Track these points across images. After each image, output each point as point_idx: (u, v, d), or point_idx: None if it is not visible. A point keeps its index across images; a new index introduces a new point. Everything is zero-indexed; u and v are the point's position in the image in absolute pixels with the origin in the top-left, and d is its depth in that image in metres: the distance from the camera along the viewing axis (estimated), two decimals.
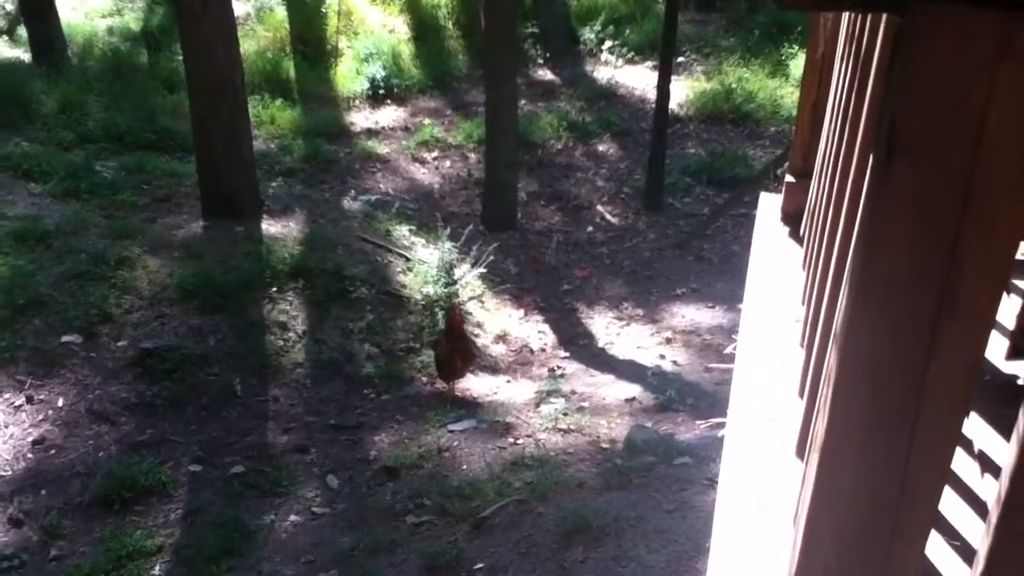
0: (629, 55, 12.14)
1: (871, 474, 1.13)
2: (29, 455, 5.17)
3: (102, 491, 4.87)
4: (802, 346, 2.33)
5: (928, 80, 0.94)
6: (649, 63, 11.76)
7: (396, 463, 5.25)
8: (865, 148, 1.65)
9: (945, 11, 0.91)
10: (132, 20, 12.72)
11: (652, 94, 9.95)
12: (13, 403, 5.50)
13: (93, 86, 9.90)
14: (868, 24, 1.81)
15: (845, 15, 2.58)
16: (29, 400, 5.50)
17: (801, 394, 2.13)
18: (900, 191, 1.00)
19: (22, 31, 11.30)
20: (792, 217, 3.47)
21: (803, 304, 2.57)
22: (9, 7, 12.20)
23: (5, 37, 11.84)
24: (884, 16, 1.59)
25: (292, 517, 4.86)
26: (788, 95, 10.71)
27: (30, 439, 5.27)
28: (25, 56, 10.83)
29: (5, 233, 6.64)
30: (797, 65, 10.77)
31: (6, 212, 7.00)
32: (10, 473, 5.04)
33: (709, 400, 5.97)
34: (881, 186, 1.02)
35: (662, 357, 6.89)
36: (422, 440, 5.49)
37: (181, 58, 8.20)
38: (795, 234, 3.38)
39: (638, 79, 11.60)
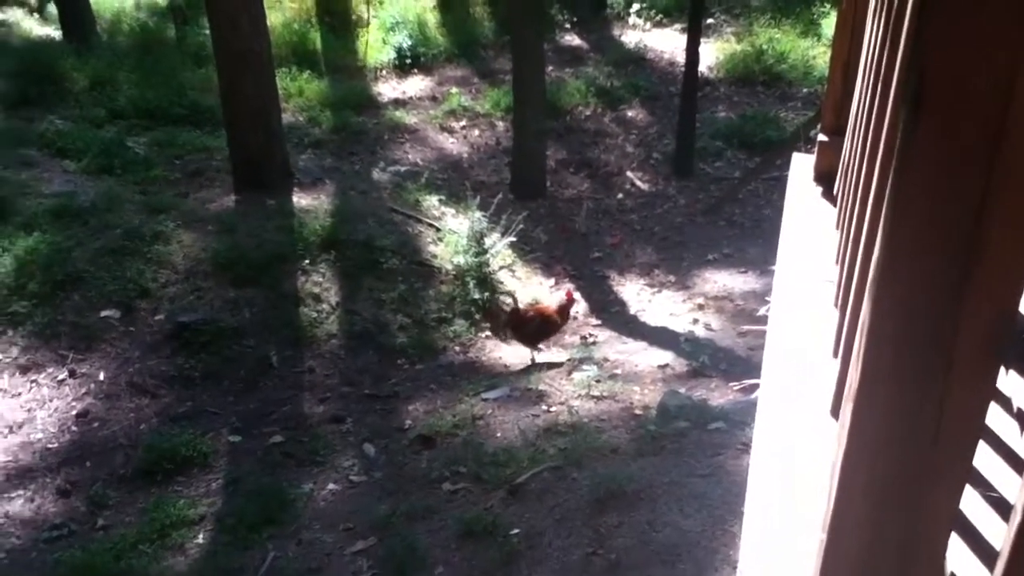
0: (657, 18, 11.98)
1: (904, 424, 1.14)
2: (74, 428, 5.30)
3: (145, 462, 4.99)
4: (836, 306, 2.31)
5: (957, 32, 0.94)
6: (678, 26, 11.59)
7: (431, 431, 5.31)
8: (897, 104, 1.63)
9: None
10: None
11: (681, 57, 9.82)
12: (56, 377, 5.63)
13: (123, 62, 9.98)
14: None
15: None
16: (72, 374, 5.63)
17: (835, 354, 2.12)
18: (929, 143, 1.00)
19: (52, 9, 11.39)
20: (825, 177, 3.41)
21: (837, 264, 2.54)
22: None
23: (36, 15, 11.95)
24: None
25: (330, 485, 4.93)
26: (820, 55, 10.52)
27: (74, 412, 5.40)
28: (56, 34, 10.93)
29: (43, 211, 6.75)
30: (829, 24, 10.56)
31: (42, 190, 7.11)
32: (56, 445, 5.17)
33: (743, 365, 5.95)
34: (910, 138, 1.02)
35: (695, 323, 6.87)
36: (456, 408, 5.53)
37: (208, 31, 8.23)
38: (828, 194, 3.33)
39: (667, 42, 11.45)
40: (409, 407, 5.65)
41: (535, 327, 6.20)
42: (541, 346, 6.38)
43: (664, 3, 12.12)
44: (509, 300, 6.48)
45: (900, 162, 1.06)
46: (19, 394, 5.54)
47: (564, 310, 6.31)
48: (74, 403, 5.46)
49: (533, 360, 6.27)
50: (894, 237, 1.08)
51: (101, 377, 5.61)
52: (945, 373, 1.08)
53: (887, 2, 2.00)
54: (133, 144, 8.21)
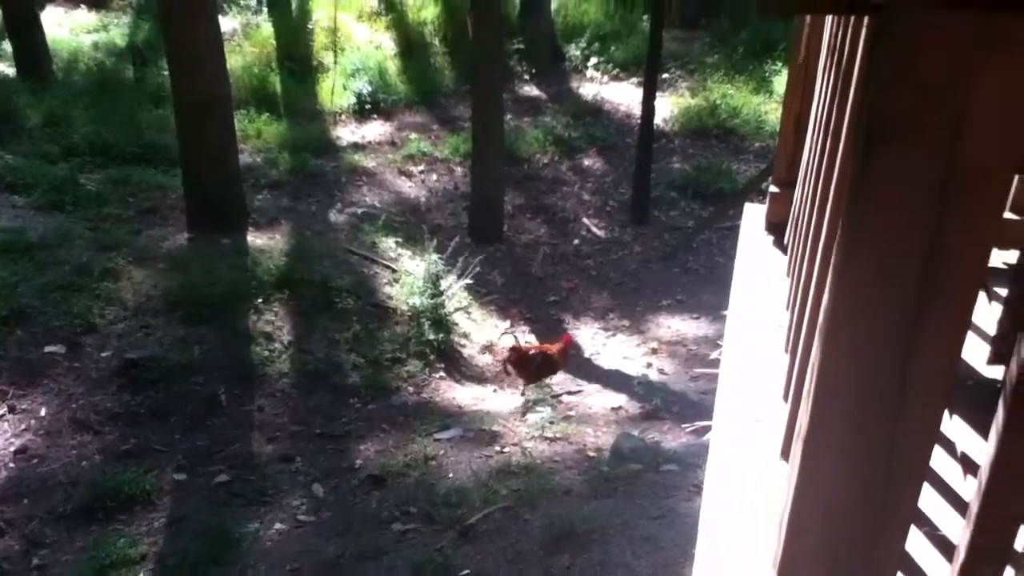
0: (614, 71, 12.25)
1: (853, 466, 1.14)
2: (11, 464, 5.12)
3: (85, 500, 4.83)
4: (787, 350, 2.35)
5: (908, 71, 0.96)
6: (634, 79, 11.87)
7: (382, 471, 5.24)
8: (848, 151, 1.68)
9: (924, 14, 0.94)
10: (118, 35, 12.71)
11: (637, 110, 10.04)
12: None
13: (78, 100, 9.88)
14: (850, 30, 1.85)
15: (827, 26, 2.63)
16: (11, 410, 5.46)
17: (786, 397, 2.15)
18: (881, 180, 1.01)
19: (6, 46, 11.27)
20: (776, 226, 3.50)
21: (787, 309, 2.59)
22: None
23: None
24: (865, 21, 1.62)
25: (277, 525, 4.83)
26: (772, 111, 10.82)
27: (12, 449, 5.22)
28: (10, 71, 10.80)
29: None
30: (781, 82, 10.89)
31: None
32: None
33: (695, 409, 5.99)
34: (862, 176, 1.03)
35: (648, 367, 6.92)
36: (408, 448, 5.48)
37: (167, 72, 8.20)
38: (779, 243, 3.41)
39: (623, 95, 11.70)
40: (361, 447, 5.58)
41: (538, 364, 6.34)
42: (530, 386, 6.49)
43: (621, 57, 12.40)
44: (511, 340, 6.71)
45: (852, 201, 1.07)
46: None
47: (564, 351, 6.46)
48: (12, 439, 5.29)
49: (524, 395, 6.41)
50: (846, 275, 1.08)
51: (43, 413, 5.45)
52: (894, 417, 1.09)
53: (837, 52, 2.09)
54: (86, 181, 8.10)
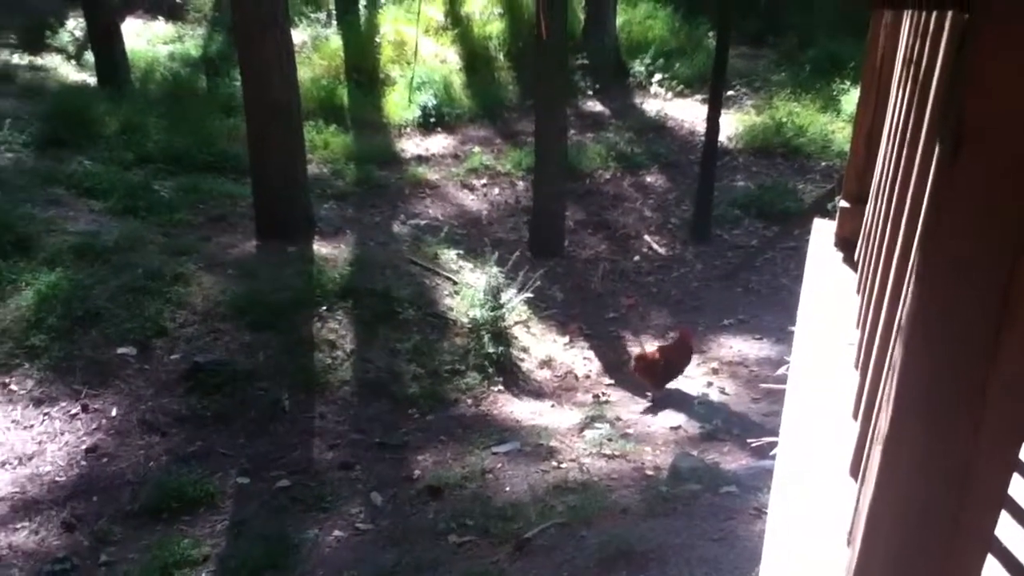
0: (679, 88, 12.20)
1: (928, 487, 1.11)
2: (83, 462, 5.28)
3: (151, 500, 4.95)
4: (857, 368, 2.31)
5: (996, 72, 0.95)
6: (699, 96, 11.80)
7: (439, 483, 5.26)
8: (927, 157, 1.65)
9: (1015, 11, 0.92)
10: (192, 47, 13.10)
11: (701, 127, 9.98)
12: (69, 411, 5.64)
13: (153, 109, 10.20)
14: (929, 36, 1.82)
15: (903, 35, 2.58)
16: (84, 409, 5.63)
17: (856, 416, 2.11)
18: (966, 180, 0.99)
19: (89, 56, 11.70)
20: (846, 242, 3.44)
21: (858, 327, 2.54)
22: (78, 33, 12.62)
23: (73, 61, 12.25)
24: (948, 24, 1.59)
25: (336, 532, 4.88)
26: (839, 130, 10.66)
27: (84, 447, 5.39)
28: (91, 80, 11.20)
29: (66, 248, 6.82)
30: (849, 100, 10.73)
31: (67, 228, 7.20)
32: (64, 479, 5.15)
33: (757, 430, 5.89)
34: (946, 177, 1.01)
35: (708, 386, 6.84)
36: (466, 461, 5.50)
37: (239, 83, 8.42)
38: (849, 259, 3.35)
39: (687, 112, 11.63)
40: (419, 457, 5.61)
41: (663, 367, 6.55)
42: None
43: (686, 74, 12.35)
44: (636, 348, 6.87)
45: (935, 202, 1.05)
46: (31, 426, 5.54)
47: (686, 347, 6.72)
48: (84, 438, 5.45)
49: (653, 400, 6.58)
50: (927, 276, 1.06)
51: (113, 413, 5.61)
52: (972, 436, 1.06)
53: (915, 59, 2.05)
54: (159, 187, 8.35)
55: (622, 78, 12.48)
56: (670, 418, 6.30)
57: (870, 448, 1.28)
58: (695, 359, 7.43)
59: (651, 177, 10.37)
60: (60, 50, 12.55)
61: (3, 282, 6.41)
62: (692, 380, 7.03)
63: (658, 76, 12.33)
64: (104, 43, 11.04)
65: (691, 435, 6.01)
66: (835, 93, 11.48)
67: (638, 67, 12.51)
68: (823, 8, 13.89)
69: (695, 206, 9.46)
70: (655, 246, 9.31)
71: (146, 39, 13.16)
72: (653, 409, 6.49)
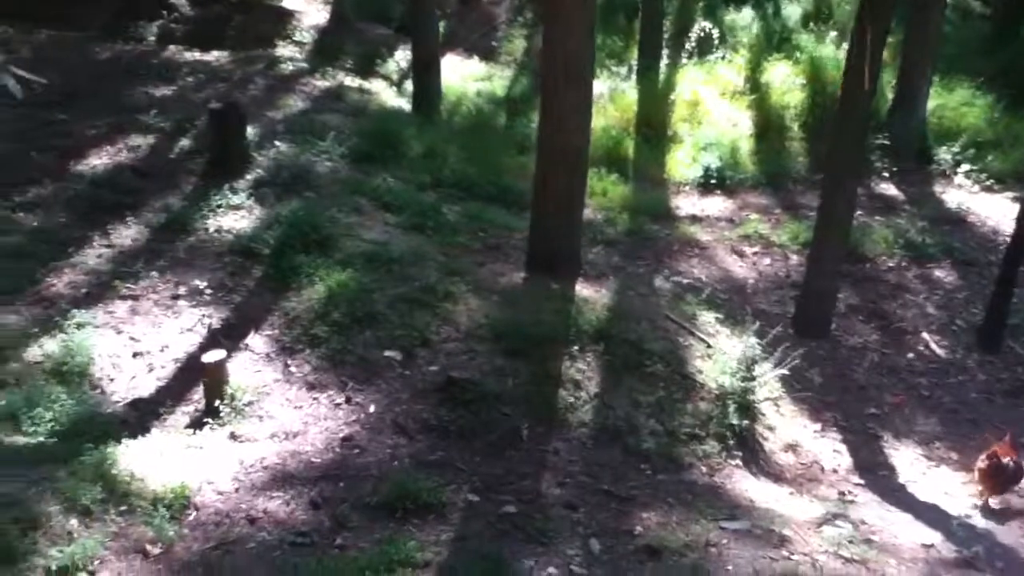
0: (987, 182, 11.29)
1: None
2: (337, 449, 5.76)
3: (390, 497, 5.26)
4: None
5: None
6: (1010, 193, 10.86)
7: (660, 544, 5.16)
8: None
9: None
10: (499, 86, 14.02)
11: (1007, 226, 9.13)
12: (334, 400, 6.19)
13: (455, 139, 11.02)
14: None
15: None
16: (348, 401, 6.16)
17: None
18: None
19: (408, 84, 12.90)
20: None
21: None
22: (403, 64, 13.97)
23: (395, 88, 13.55)
24: None
25: (551, 569, 4.93)
26: None
27: (341, 435, 5.87)
28: (406, 105, 12.33)
29: (359, 253, 7.55)
30: None
31: (363, 235, 7.96)
32: (319, 461, 5.64)
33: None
34: None
35: (974, 508, 6.18)
36: (690, 529, 5.35)
37: (535, 125, 8.88)
38: None
39: (994, 208, 10.70)
40: (643, 514, 5.54)
41: (1009, 473, 6.26)
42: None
43: (998, 168, 11.39)
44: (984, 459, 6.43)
45: None
46: (301, 407, 6.14)
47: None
48: (343, 427, 5.95)
49: (987, 505, 6.33)
50: None
51: (371, 409, 6.08)
52: None
53: None
54: (447, 210, 8.98)
55: (924, 164, 11.72)
56: (922, 533, 5.75)
57: None
58: (961, 475, 6.76)
59: (940, 272, 9.60)
60: (385, 77, 13.95)
61: (304, 275, 7.21)
62: (954, 499, 6.39)
63: (966, 167, 11.45)
64: (423, 74, 12.15)
65: (944, 558, 5.45)
66: None
67: (944, 154, 11.69)
68: None
69: (987, 310, 8.62)
70: (934, 346, 8.58)
71: (460, 75, 14.26)
72: (988, 512, 6.23)
